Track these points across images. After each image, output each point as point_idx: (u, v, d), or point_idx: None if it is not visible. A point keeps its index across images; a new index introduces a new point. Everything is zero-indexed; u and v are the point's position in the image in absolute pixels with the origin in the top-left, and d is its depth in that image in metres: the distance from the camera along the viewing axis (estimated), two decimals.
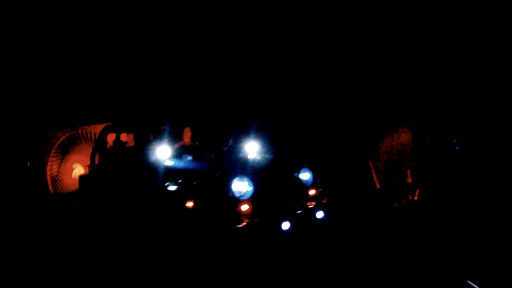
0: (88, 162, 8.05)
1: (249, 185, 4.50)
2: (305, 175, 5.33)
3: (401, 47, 8.49)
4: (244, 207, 4.36)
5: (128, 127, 5.98)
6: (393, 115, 9.00)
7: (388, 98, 8.84)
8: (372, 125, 9.01)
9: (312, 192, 5.29)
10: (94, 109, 8.55)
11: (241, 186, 4.47)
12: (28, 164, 8.35)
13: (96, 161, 6.88)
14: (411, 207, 7.88)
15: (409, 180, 8.48)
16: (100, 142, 6.77)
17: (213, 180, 4.50)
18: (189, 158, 5.27)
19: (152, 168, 4.93)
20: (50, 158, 8.51)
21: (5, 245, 5.77)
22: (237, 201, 4.39)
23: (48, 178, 8.49)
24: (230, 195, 4.39)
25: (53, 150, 8.49)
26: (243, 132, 5.98)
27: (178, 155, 5.25)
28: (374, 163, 9.02)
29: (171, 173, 4.86)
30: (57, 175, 8.50)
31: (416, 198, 8.27)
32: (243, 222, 4.29)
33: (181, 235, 4.37)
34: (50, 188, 8.50)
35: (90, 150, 8.38)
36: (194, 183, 4.53)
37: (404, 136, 9.05)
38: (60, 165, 8.53)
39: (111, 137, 6.55)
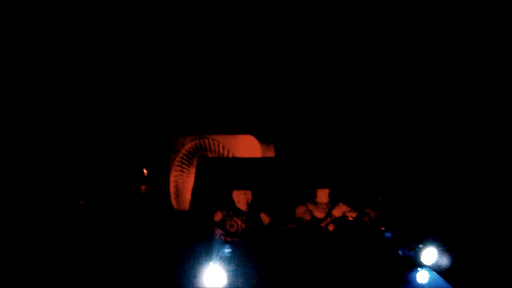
0: None
1: None
2: None
3: None
4: None
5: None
6: None
7: None
8: None
9: None
10: (226, 113, 6.84)
11: None
12: (146, 174, 7.08)
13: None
14: None
15: None
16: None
17: None
18: None
19: None
20: (175, 167, 7.14)
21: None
22: None
23: (172, 190, 7.18)
24: None
25: (177, 158, 7.08)
26: None
27: None
28: None
29: None
30: (182, 189, 7.14)
31: None
32: None
33: None
34: (173, 202, 7.21)
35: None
36: None
37: None
38: (185, 177, 7.12)
39: None
